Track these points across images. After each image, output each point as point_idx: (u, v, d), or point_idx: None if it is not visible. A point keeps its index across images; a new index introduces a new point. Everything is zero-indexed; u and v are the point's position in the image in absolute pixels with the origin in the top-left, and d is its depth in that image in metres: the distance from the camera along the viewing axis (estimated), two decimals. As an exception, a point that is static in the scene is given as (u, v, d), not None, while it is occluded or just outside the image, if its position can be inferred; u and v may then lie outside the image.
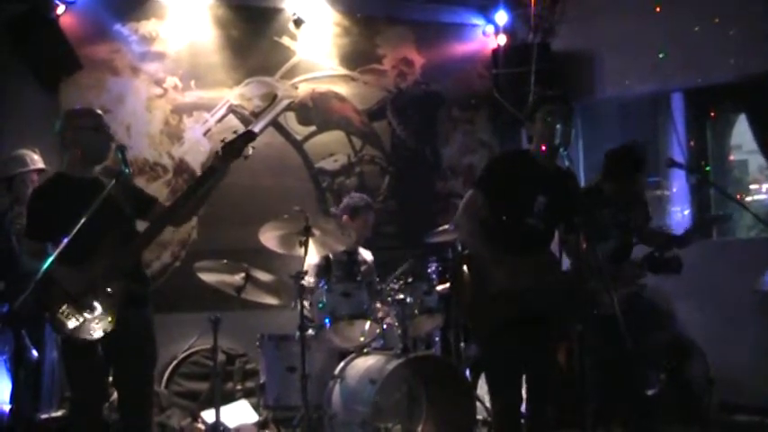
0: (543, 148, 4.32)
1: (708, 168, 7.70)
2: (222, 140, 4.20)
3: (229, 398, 6.35)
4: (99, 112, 4.36)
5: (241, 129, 7.09)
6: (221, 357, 6.43)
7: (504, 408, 4.35)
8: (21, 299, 3.33)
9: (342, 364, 5.51)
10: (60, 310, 3.92)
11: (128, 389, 4.21)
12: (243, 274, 5.49)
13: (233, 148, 4.15)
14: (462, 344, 6.14)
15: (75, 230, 3.56)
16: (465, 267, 4.44)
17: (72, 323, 3.92)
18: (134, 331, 4.13)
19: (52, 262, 3.49)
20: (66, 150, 4.28)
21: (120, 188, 4.14)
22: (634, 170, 5.24)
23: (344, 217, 6.21)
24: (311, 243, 5.43)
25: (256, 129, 6.24)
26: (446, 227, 6.35)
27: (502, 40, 8.09)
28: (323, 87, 7.63)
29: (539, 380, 4.36)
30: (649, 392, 5.35)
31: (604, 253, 5.01)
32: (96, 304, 3.94)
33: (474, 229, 4.34)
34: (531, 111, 4.44)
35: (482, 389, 6.16)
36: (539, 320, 4.27)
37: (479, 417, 5.70)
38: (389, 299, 5.64)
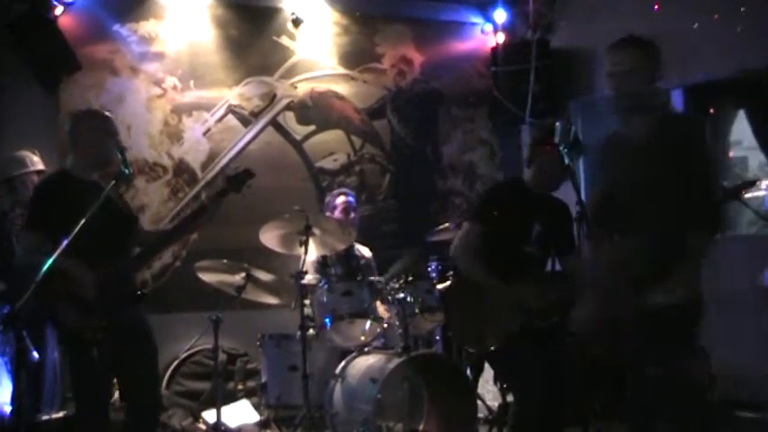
0: (546, 183, 4.49)
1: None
2: (225, 176, 4.37)
3: (231, 397, 6.36)
4: (110, 115, 4.36)
5: (240, 129, 7.21)
6: (222, 357, 6.44)
7: (521, 403, 4.37)
8: (23, 299, 3.32)
9: (343, 363, 5.51)
10: (64, 305, 3.92)
11: (135, 391, 4.20)
12: (243, 274, 5.50)
13: (236, 182, 4.30)
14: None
15: (76, 230, 3.54)
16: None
17: (74, 319, 3.92)
18: (132, 333, 4.13)
19: (56, 258, 3.48)
20: (72, 150, 4.26)
21: (118, 190, 4.16)
22: None
23: (349, 215, 6.24)
24: (311, 242, 5.43)
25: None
26: (446, 225, 6.36)
27: (501, 37, 8.10)
28: (322, 86, 7.63)
29: (553, 381, 4.36)
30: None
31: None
32: (98, 304, 3.94)
33: (473, 261, 4.42)
34: (546, 138, 4.49)
35: (483, 387, 6.18)
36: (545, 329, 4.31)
37: (480, 415, 5.71)
38: (390, 298, 5.64)
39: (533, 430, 4.31)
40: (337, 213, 6.21)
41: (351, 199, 6.34)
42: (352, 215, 6.30)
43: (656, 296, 3.75)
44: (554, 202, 4.59)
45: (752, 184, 5.60)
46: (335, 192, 6.49)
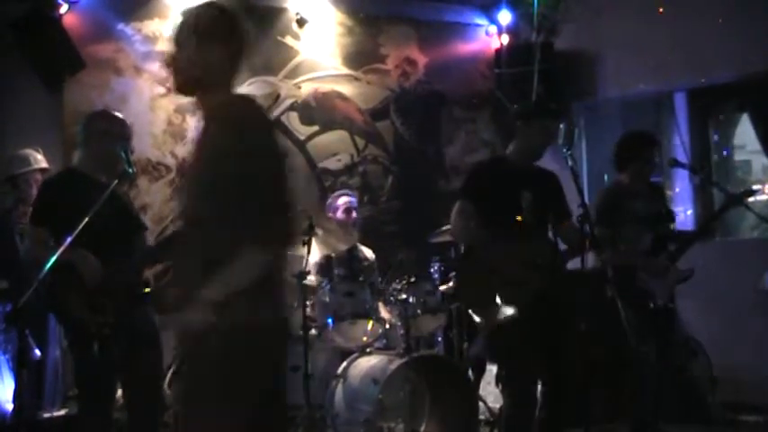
0: (529, 153, 4.52)
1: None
2: None
3: (232, 397, 6.35)
4: (122, 117, 4.33)
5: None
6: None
7: (515, 406, 4.37)
8: (25, 296, 3.33)
9: (344, 363, 5.51)
10: (71, 298, 3.91)
11: (138, 391, 4.20)
12: (246, 274, 5.48)
13: None
14: (465, 343, 6.14)
15: (80, 227, 3.54)
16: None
17: (81, 312, 3.91)
18: (138, 332, 4.13)
19: (62, 253, 3.47)
20: (82, 149, 4.24)
21: (122, 189, 4.17)
22: (645, 148, 5.21)
23: (351, 215, 6.26)
24: (314, 242, 5.43)
25: None
26: (448, 226, 6.34)
27: (505, 39, 8.10)
28: (326, 87, 7.64)
29: (554, 378, 4.37)
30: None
31: (642, 248, 5.03)
32: (105, 302, 3.94)
33: (468, 226, 4.40)
34: (528, 115, 4.52)
35: (484, 389, 6.17)
36: (548, 317, 4.29)
37: (482, 416, 5.71)
38: (392, 298, 5.65)
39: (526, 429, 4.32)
40: (339, 214, 6.22)
41: (352, 199, 6.35)
42: (354, 215, 6.31)
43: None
44: (541, 173, 4.62)
45: (752, 192, 5.61)
46: (337, 192, 6.50)
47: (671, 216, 5.43)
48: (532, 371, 4.37)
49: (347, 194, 6.40)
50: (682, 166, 5.77)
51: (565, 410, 4.38)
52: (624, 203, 5.07)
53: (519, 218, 4.36)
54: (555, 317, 4.34)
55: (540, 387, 4.47)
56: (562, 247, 4.52)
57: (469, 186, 4.57)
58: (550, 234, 4.55)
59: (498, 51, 8.05)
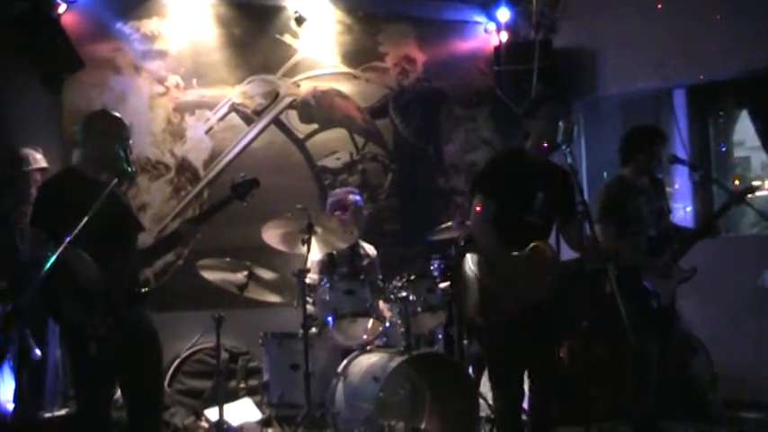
0: (545, 145, 4.37)
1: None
2: (231, 183, 4.36)
3: (233, 396, 6.36)
4: (120, 116, 4.32)
5: (243, 127, 7.22)
6: (224, 355, 6.44)
7: (505, 403, 4.37)
8: (25, 295, 3.32)
9: (345, 361, 5.51)
10: (67, 300, 3.90)
11: (137, 391, 4.19)
12: (246, 273, 5.49)
13: (241, 190, 4.32)
14: (465, 341, 6.14)
15: (80, 227, 3.53)
16: (468, 263, 4.44)
17: (78, 314, 3.90)
18: (136, 333, 4.12)
19: (60, 253, 3.47)
20: (81, 147, 4.23)
21: (120, 188, 4.16)
22: (653, 141, 5.15)
23: (362, 214, 6.27)
24: (314, 241, 5.43)
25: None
26: (449, 224, 6.35)
27: (504, 37, 8.09)
28: (325, 85, 7.63)
29: (542, 376, 4.37)
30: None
31: (644, 246, 5.00)
32: (101, 302, 3.93)
33: (490, 239, 4.32)
34: (533, 108, 4.48)
35: (485, 386, 6.17)
36: (542, 318, 4.28)
37: (482, 414, 5.71)
38: (392, 296, 5.65)
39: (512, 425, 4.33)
40: (347, 213, 6.20)
41: (359, 198, 6.36)
42: (364, 213, 6.35)
43: None
44: (555, 169, 4.51)
45: (753, 189, 5.60)
46: (343, 190, 6.47)
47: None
48: (522, 370, 4.38)
49: (353, 192, 6.39)
50: (681, 162, 5.75)
51: (556, 409, 4.39)
52: (627, 199, 5.02)
53: (528, 219, 4.33)
54: (550, 318, 4.34)
55: (529, 385, 4.47)
56: (573, 254, 4.50)
57: (487, 181, 4.45)
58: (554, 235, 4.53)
59: (497, 49, 8.05)
